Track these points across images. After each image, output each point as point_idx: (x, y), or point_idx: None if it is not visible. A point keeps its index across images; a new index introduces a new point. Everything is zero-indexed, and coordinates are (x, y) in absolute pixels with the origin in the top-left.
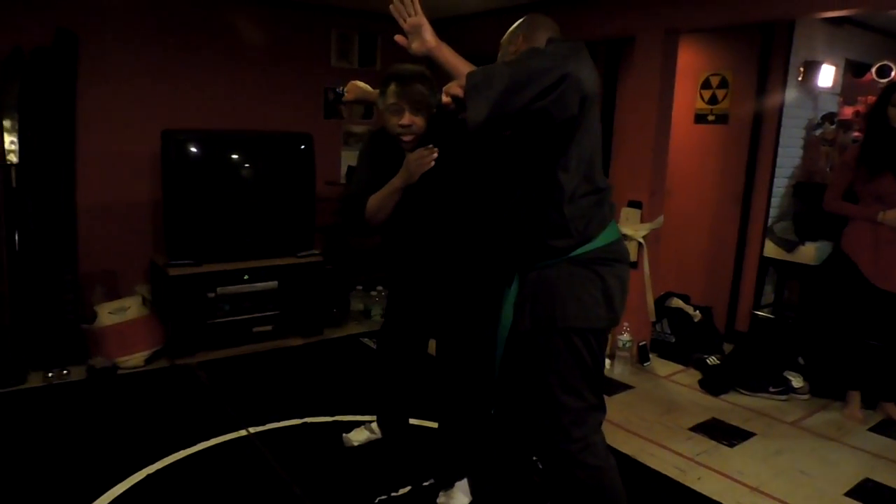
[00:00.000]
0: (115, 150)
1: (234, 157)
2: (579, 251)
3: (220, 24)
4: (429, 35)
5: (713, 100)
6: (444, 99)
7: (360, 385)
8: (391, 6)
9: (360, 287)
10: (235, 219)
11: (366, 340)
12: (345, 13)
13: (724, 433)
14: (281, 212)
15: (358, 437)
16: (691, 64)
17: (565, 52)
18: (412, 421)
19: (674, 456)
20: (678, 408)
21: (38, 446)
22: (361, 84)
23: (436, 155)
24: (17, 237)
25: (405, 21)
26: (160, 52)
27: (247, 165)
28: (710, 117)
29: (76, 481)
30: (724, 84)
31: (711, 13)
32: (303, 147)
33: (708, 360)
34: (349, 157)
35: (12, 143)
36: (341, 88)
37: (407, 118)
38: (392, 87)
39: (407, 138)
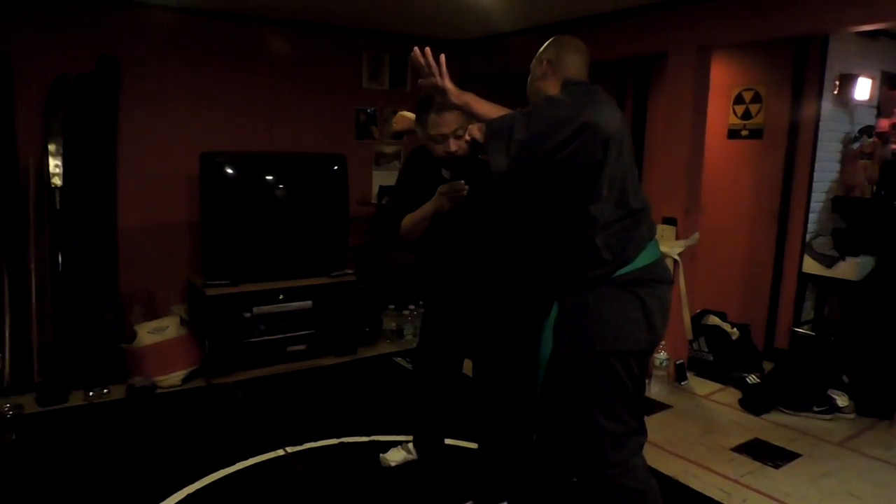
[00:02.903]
0: (154, 173)
1: (270, 178)
2: (617, 273)
3: (256, 48)
4: (453, 98)
5: (746, 115)
6: (466, 138)
7: (396, 405)
8: (412, 56)
9: (392, 306)
10: (271, 239)
11: (399, 359)
12: (376, 36)
13: (769, 454)
14: (315, 232)
15: (395, 457)
16: (723, 79)
17: (581, 99)
18: (451, 441)
19: (717, 478)
20: (719, 428)
21: (80, 465)
22: (408, 114)
23: (465, 192)
24: (60, 258)
25: (425, 77)
26: (198, 77)
27: (282, 186)
28: (744, 132)
29: (118, 501)
30: (757, 99)
31: (744, 29)
32: (336, 168)
33: (748, 379)
34: (381, 178)
35: (57, 166)
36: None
37: (452, 145)
38: (432, 118)
39: (454, 159)
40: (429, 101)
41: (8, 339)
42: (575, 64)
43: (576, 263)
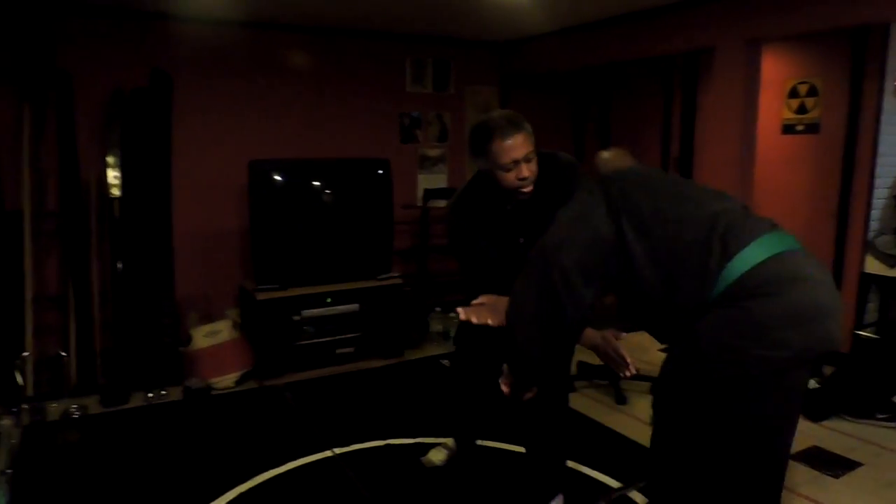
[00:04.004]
0: (205, 181)
1: (316, 184)
2: (719, 290)
3: (301, 57)
4: None
5: (802, 109)
6: (505, 390)
7: (442, 407)
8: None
9: (438, 309)
10: (318, 243)
11: (445, 362)
12: (419, 40)
13: (828, 463)
14: (361, 236)
15: (437, 456)
16: (776, 72)
17: (569, 222)
18: (496, 444)
19: None
20: None
21: (139, 463)
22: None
23: None
24: (120, 266)
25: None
26: (245, 87)
27: (328, 192)
28: (799, 127)
29: (174, 498)
30: (812, 92)
31: (796, 21)
32: (381, 172)
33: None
34: (426, 181)
35: (116, 177)
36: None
37: (525, 170)
38: (497, 146)
39: (527, 189)
40: (486, 129)
41: (73, 343)
42: None
43: (660, 313)
